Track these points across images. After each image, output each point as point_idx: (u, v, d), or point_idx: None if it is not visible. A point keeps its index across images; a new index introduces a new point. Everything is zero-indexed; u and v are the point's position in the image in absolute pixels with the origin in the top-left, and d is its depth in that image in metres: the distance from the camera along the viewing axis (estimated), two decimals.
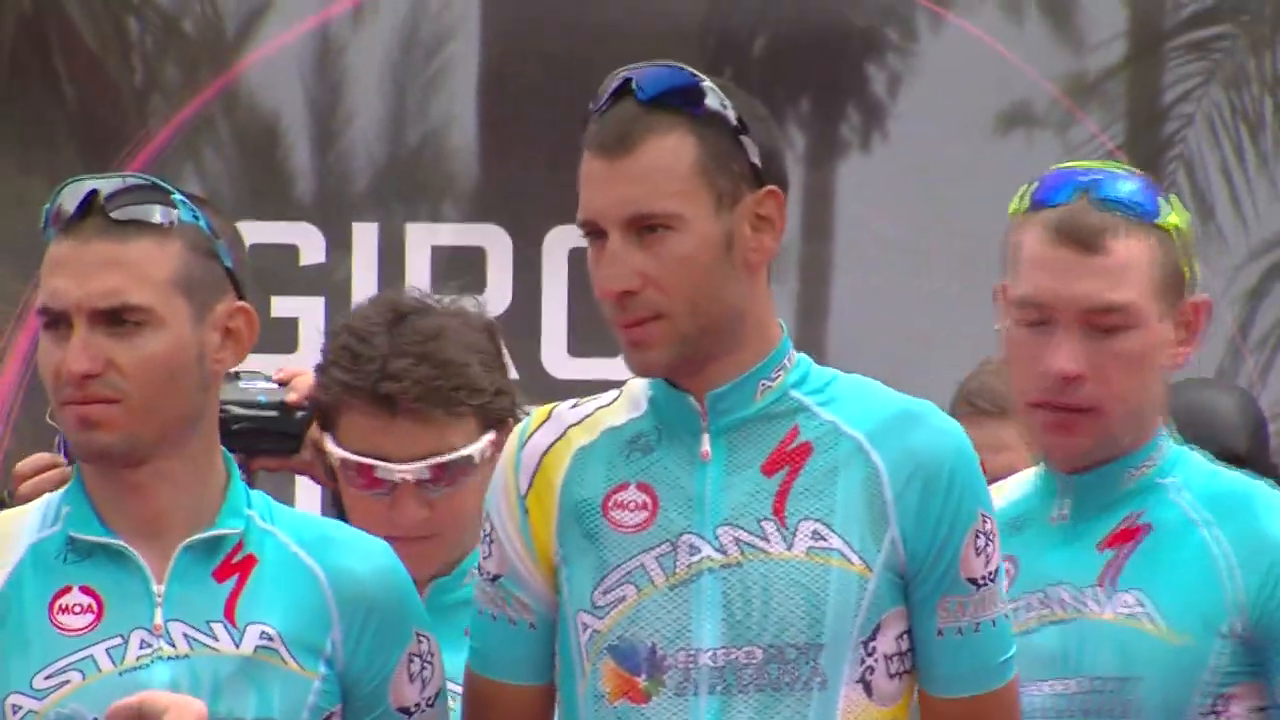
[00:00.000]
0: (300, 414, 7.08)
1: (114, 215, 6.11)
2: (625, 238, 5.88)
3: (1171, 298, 6.50)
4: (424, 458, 7.14)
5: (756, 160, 5.96)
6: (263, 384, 7.68)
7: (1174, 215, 6.52)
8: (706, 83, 6.03)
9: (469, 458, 7.27)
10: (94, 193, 6.13)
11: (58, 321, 6.03)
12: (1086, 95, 11.88)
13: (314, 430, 7.40)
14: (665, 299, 5.85)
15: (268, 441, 7.19)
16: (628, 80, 5.95)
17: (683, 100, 5.99)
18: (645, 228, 5.94)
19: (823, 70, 12.03)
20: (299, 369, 7.64)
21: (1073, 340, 6.41)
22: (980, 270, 10.37)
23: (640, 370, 6.02)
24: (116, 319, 6.04)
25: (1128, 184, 6.52)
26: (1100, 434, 6.44)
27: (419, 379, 7.13)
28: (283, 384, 7.70)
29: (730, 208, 5.93)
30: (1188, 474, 6.54)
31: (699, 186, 5.97)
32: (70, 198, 6.19)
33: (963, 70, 11.91)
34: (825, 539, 6.08)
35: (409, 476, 7.06)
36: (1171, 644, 6.38)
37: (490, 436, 7.36)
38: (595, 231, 5.86)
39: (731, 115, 5.99)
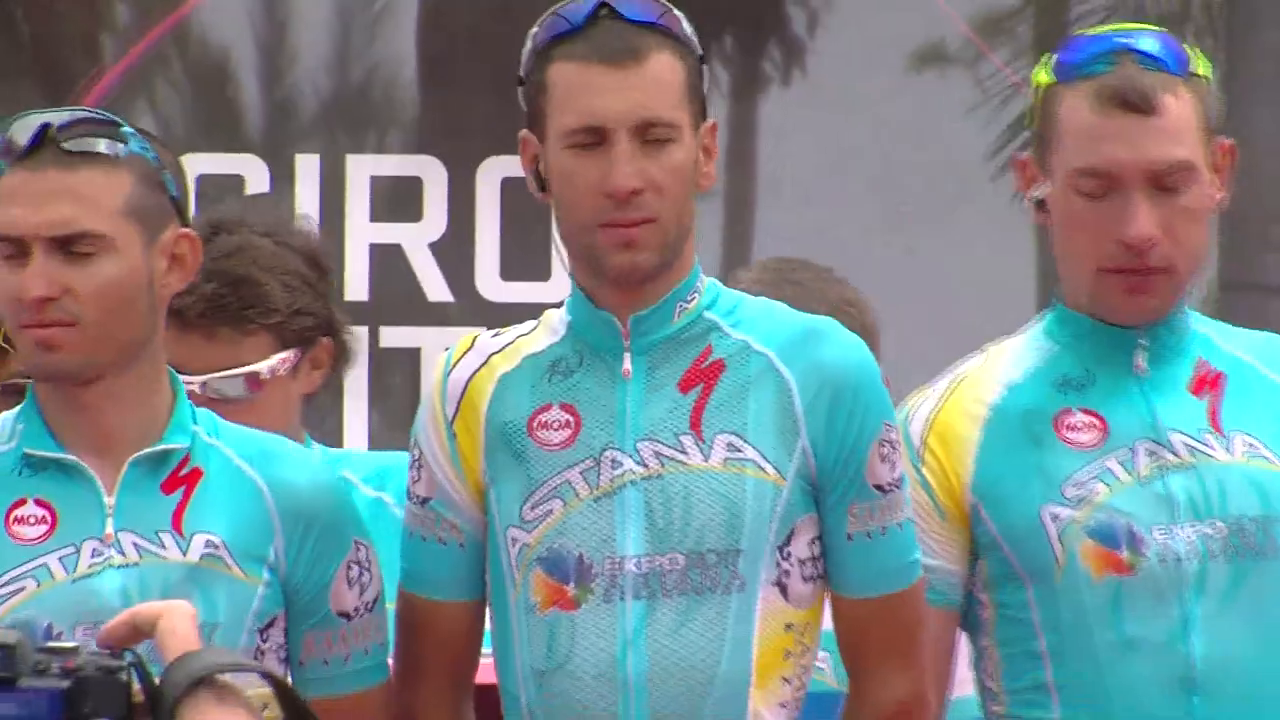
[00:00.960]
0: None
1: (66, 146, 6.32)
2: (632, 142, 6.18)
3: (1210, 144, 6.62)
4: (210, 371, 7.47)
5: (705, 91, 6.39)
6: None
7: (1200, 63, 6.67)
8: (678, 12, 6.40)
9: (255, 374, 7.62)
10: (46, 125, 6.37)
11: (14, 249, 6.25)
12: (994, 32, 11.88)
13: None
14: (661, 204, 6.17)
15: None
16: (604, 3, 6.27)
17: (666, 25, 6.28)
18: (648, 137, 6.28)
19: (745, 7, 12.08)
20: None
21: (1146, 204, 6.47)
22: (895, 198, 10.71)
23: (627, 272, 6.26)
24: (71, 246, 6.27)
25: (1157, 40, 6.69)
26: (1174, 291, 6.55)
27: (207, 295, 7.42)
28: None
29: (696, 131, 6.27)
30: (1204, 324, 6.80)
31: (688, 104, 6.30)
32: (22, 131, 6.42)
33: (879, 9, 11.86)
34: (740, 450, 6.34)
35: (195, 388, 7.22)
36: None
37: (285, 355, 7.70)
38: (595, 138, 6.16)
39: (697, 47, 6.33)
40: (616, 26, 6.40)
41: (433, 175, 12.27)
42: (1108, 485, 6.61)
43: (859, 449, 6.49)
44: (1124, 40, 6.67)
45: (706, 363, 6.56)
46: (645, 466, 6.53)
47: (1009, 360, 6.88)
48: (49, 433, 6.57)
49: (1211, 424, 6.63)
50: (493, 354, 6.59)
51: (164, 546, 6.45)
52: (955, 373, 6.89)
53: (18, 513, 6.53)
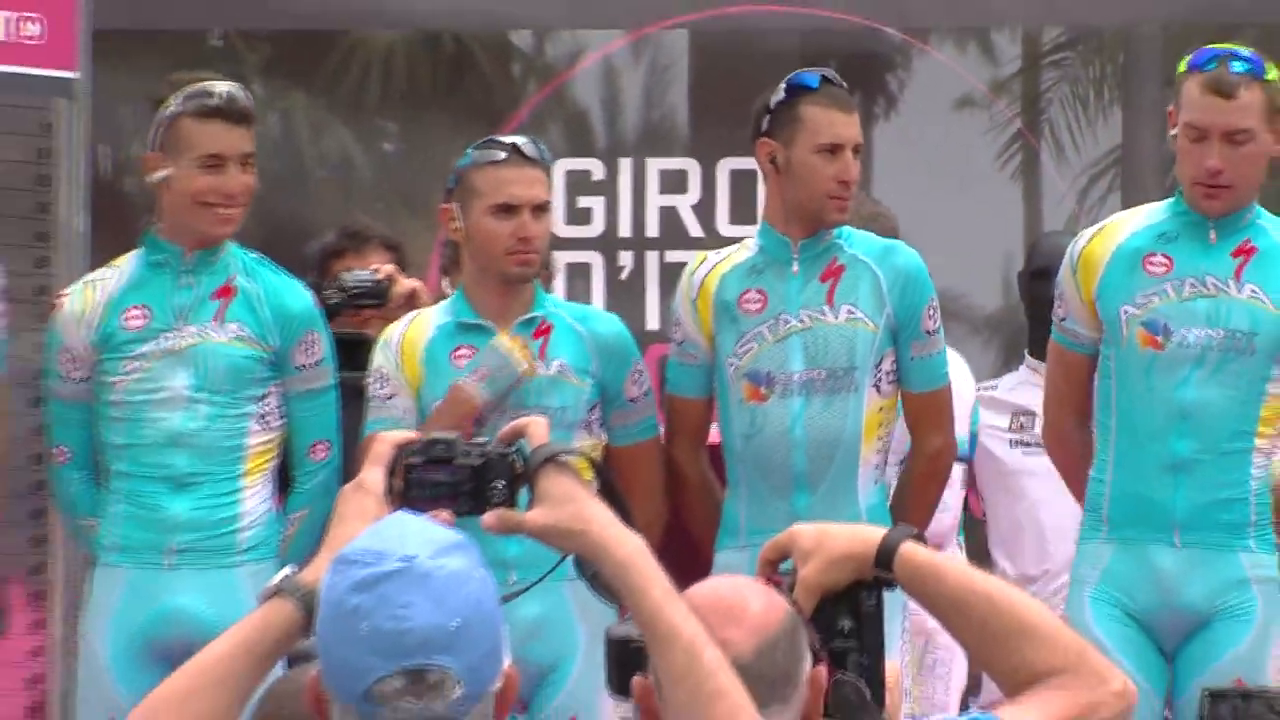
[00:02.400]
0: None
1: (529, 154, 8.39)
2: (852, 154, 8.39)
3: (1274, 121, 8.09)
4: None
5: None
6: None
7: (1273, 73, 8.19)
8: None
9: None
10: (533, 141, 8.48)
11: (510, 211, 8.18)
12: (1000, 90, 12.98)
13: None
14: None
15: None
16: (826, 78, 8.47)
17: (848, 87, 8.60)
18: (856, 153, 8.44)
19: (864, 76, 12.34)
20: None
21: (1218, 149, 8.00)
22: (940, 182, 12.34)
23: (839, 218, 8.41)
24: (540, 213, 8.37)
25: (1248, 54, 8.22)
26: (1233, 200, 8.06)
27: None
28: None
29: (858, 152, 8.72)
30: (1268, 221, 8.29)
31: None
32: (526, 144, 8.41)
33: (935, 76, 12.90)
34: (854, 313, 8.44)
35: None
36: (1275, 314, 8.10)
37: None
38: (836, 150, 8.33)
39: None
40: (837, 90, 8.51)
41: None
42: (1160, 297, 8.19)
43: (916, 311, 8.49)
44: (1225, 52, 8.23)
45: (834, 266, 8.52)
46: (803, 322, 8.46)
47: (1138, 219, 8.49)
48: (472, 309, 8.40)
49: (1235, 275, 8.18)
50: (717, 262, 8.58)
51: (544, 368, 8.34)
52: (1106, 221, 8.63)
53: (458, 354, 8.35)
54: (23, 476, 8.88)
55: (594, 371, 8.41)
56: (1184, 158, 8.09)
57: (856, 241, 8.41)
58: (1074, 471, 8.33)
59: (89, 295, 8.23)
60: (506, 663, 4.04)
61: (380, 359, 8.40)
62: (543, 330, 8.35)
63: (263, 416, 8.22)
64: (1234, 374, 8.05)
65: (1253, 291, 8.10)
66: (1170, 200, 8.30)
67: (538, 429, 4.40)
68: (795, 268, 8.32)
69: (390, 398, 8.35)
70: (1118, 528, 7.98)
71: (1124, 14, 8.00)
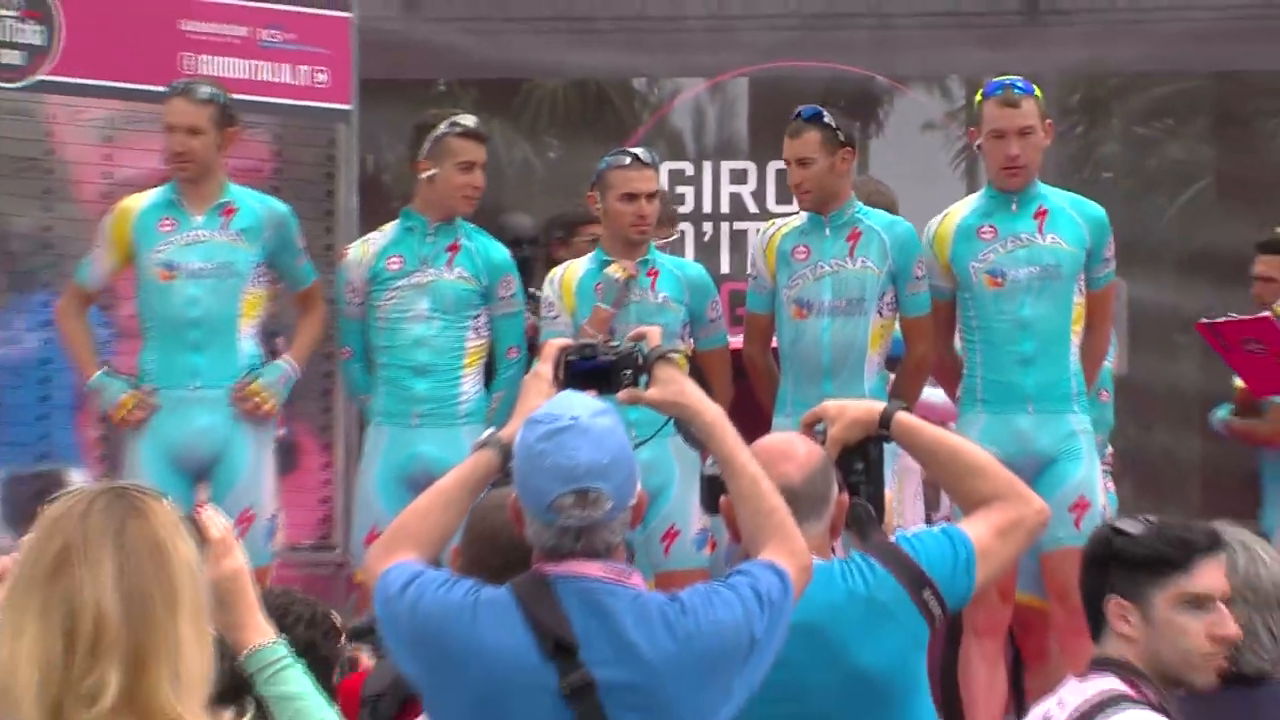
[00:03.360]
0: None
1: (644, 159, 8.16)
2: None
3: (1043, 121, 7.74)
4: None
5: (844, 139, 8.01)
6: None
7: (1038, 92, 7.83)
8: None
9: None
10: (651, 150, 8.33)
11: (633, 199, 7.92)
12: (952, 117, 12.49)
13: None
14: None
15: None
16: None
17: (823, 116, 7.95)
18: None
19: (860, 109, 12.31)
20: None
21: (1014, 142, 7.66)
22: (914, 179, 11.35)
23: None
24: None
25: (1021, 81, 7.82)
26: (1026, 178, 7.71)
27: None
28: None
29: (834, 155, 7.99)
30: (1048, 190, 7.87)
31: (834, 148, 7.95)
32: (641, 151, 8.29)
33: (910, 111, 12.67)
34: (867, 263, 7.94)
35: None
36: (1071, 251, 7.74)
37: None
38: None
39: (843, 133, 8.01)
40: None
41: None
42: (997, 252, 7.79)
43: (909, 263, 7.94)
44: (1006, 80, 7.85)
45: (855, 231, 7.99)
46: (832, 268, 7.93)
47: (966, 205, 8.03)
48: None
49: (1039, 230, 7.77)
50: (780, 226, 8.14)
51: (652, 297, 8.07)
52: (946, 210, 8.05)
53: (596, 288, 8.09)
54: (317, 366, 8.80)
55: (685, 301, 8.15)
56: (990, 154, 7.79)
57: (872, 215, 8.04)
58: (950, 381, 8.05)
59: (364, 249, 8.12)
60: (638, 488, 4.05)
61: (547, 290, 8.20)
62: (652, 273, 8.11)
63: (475, 329, 8.08)
64: (1051, 295, 7.76)
65: (1053, 239, 7.77)
66: (984, 190, 7.98)
67: (653, 335, 4.32)
68: (827, 232, 7.97)
69: (555, 317, 8.14)
70: (989, 404, 7.73)
71: (1029, 68, 7.89)
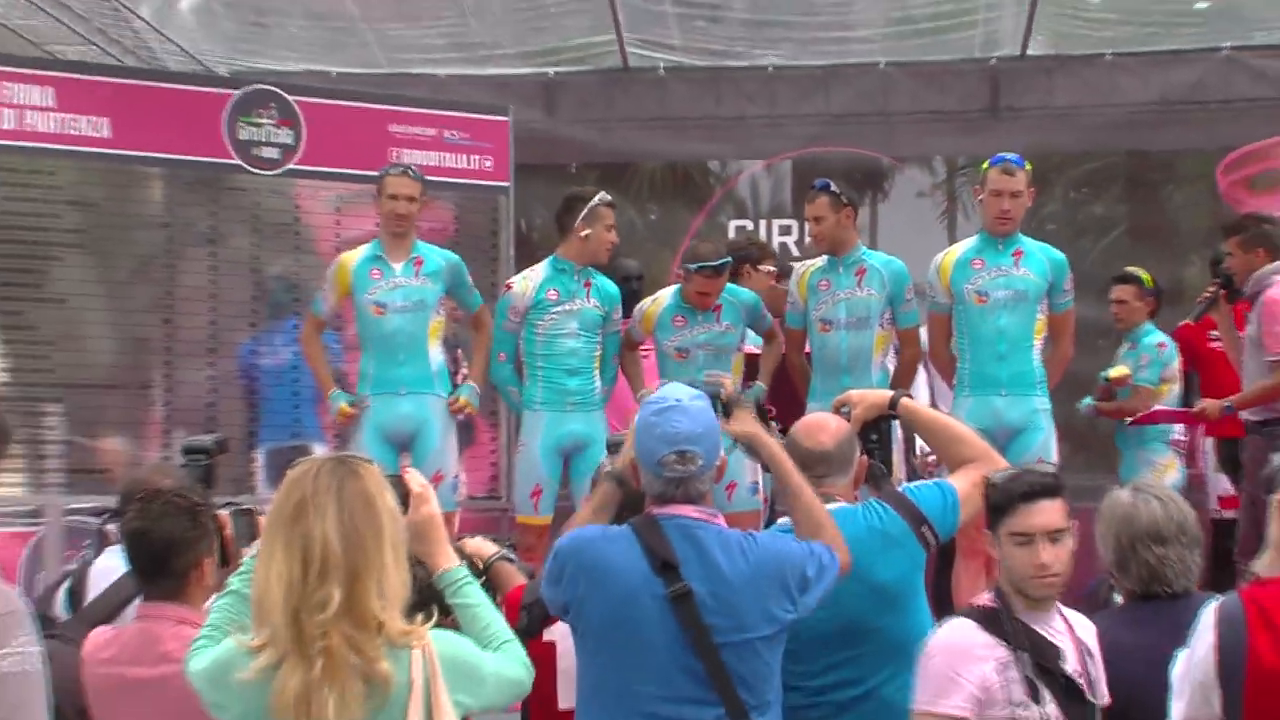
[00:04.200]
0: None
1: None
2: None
3: (1029, 186, 7.49)
4: None
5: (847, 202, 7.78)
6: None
7: (1028, 165, 7.50)
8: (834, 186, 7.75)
9: None
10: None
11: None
12: (938, 188, 12.36)
13: None
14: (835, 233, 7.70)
15: None
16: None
17: (831, 187, 7.73)
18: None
19: (865, 180, 11.99)
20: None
21: (1007, 200, 7.45)
22: (906, 230, 11.43)
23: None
24: None
25: (1017, 158, 7.54)
26: (1013, 227, 7.51)
27: None
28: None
29: (839, 212, 7.81)
30: (1025, 239, 7.57)
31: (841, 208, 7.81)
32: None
33: (909, 179, 12.21)
34: (871, 292, 7.70)
35: None
36: (1037, 281, 7.50)
37: None
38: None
39: (844, 196, 7.80)
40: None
41: None
42: (983, 278, 7.53)
43: (901, 290, 7.73)
44: (1007, 155, 7.57)
45: (861, 269, 7.76)
46: (847, 295, 7.71)
47: (964, 245, 7.74)
48: (685, 301, 7.82)
49: (1015, 266, 7.51)
50: (809, 266, 7.91)
51: (718, 326, 7.86)
52: (949, 248, 7.79)
53: (675, 321, 7.90)
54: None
55: (744, 318, 7.91)
56: (988, 206, 7.51)
57: (874, 256, 7.84)
58: (948, 371, 7.75)
59: (525, 283, 7.92)
60: (722, 454, 4.08)
61: (634, 319, 8.08)
62: (717, 309, 7.88)
63: (600, 342, 7.91)
64: (1021, 312, 7.50)
65: (1025, 271, 7.51)
66: (979, 234, 7.70)
67: (728, 382, 4.38)
68: (841, 270, 7.76)
69: (641, 342, 8.14)
70: (974, 389, 7.49)
71: (992, 150, 7.80)
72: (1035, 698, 3.90)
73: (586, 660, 3.91)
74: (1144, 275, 8.51)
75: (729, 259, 7.74)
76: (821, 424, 4.49)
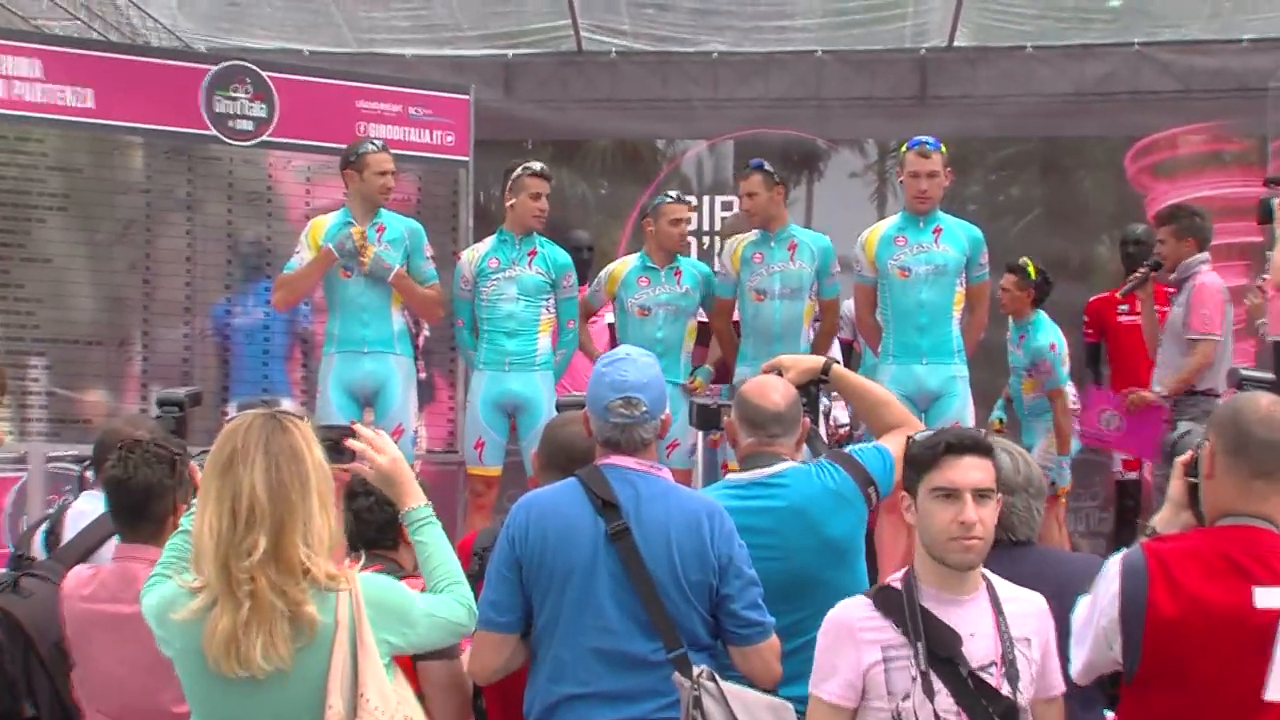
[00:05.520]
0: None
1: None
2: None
3: (946, 168, 7.40)
4: None
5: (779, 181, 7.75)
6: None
7: (943, 149, 7.42)
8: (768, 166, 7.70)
9: None
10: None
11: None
12: (869, 169, 12.64)
13: None
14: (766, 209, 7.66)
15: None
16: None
17: (765, 166, 7.73)
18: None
19: (800, 159, 12.22)
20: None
21: (924, 181, 7.35)
22: (847, 204, 11.60)
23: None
24: None
25: (932, 139, 7.46)
26: (932, 205, 7.40)
27: None
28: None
29: (771, 190, 7.75)
30: (944, 216, 7.44)
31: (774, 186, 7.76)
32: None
33: (843, 161, 12.45)
34: (802, 265, 7.71)
35: None
36: (956, 256, 7.41)
37: None
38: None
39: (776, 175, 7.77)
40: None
41: None
42: (905, 254, 7.43)
43: (827, 265, 7.73)
44: (924, 139, 7.48)
45: (793, 244, 7.76)
46: (780, 268, 7.69)
47: (888, 222, 7.62)
48: (651, 261, 7.80)
49: (935, 242, 7.41)
50: (740, 241, 7.80)
51: (680, 288, 7.86)
52: (874, 225, 7.70)
53: (640, 281, 7.79)
54: (446, 331, 8.60)
55: (701, 287, 7.87)
56: (907, 187, 7.41)
57: (803, 233, 7.81)
58: (873, 340, 7.63)
59: (473, 253, 7.86)
60: (667, 410, 4.08)
61: (597, 285, 8.04)
62: (678, 272, 7.85)
63: (547, 308, 7.78)
64: (941, 285, 7.40)
65: (944, 247, 7.40)
66: (901, 213, 7.56)
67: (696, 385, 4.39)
68: (774, 244, 7.71)
69: (599, 309, 8.13)
70: (897, 358, 7.40)
71: (920, 135, 7.80)
72: (928, 690, 3.37)
73: (539, 604, 3.85)
74: (1030, 266, 8.39)
75: (689, 199, 7.78)
76: (772, 385, 4.42)
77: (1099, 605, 3.32)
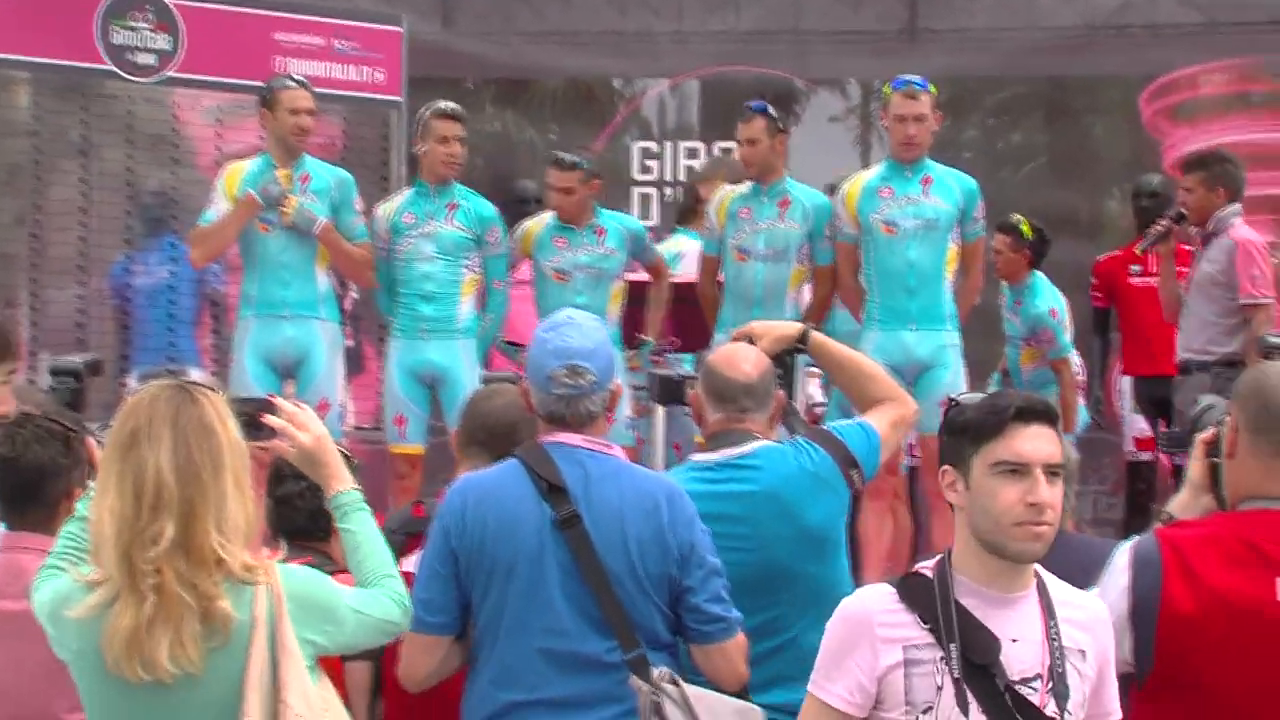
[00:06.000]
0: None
1: None
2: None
3: (934, 110, 7.54)
4: None
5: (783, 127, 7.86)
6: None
7: (933, 88, 7.51)
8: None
9: None
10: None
11: None
12: (850, 111, 12.64)
13: None
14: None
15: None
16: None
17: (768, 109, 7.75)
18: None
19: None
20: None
21: (911, 124, 7.46)
22: (824, 144, 11.43)
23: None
24: None
25: (920, 79, 7.55)
26: (919, 153, 7.51)
27: None
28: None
29: (773, 136, 7.77)
30: (933, 164, 7.56)
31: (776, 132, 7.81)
32: None
33: (822, 104, 12.47)
34: (792, 223, 7.67)
35: None
36: (948, 209, 7.51)
37: None
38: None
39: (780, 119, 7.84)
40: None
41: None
42: (891, 207, 7.51)
43: (821, 224, 7.71)
44: (909, 78, 7.56)
45: (785, 200, 7.76)
46: (767, 224, 7.70)
47: (871, 171, 7.77)
48: (560, 222, 7.87)
49: (924, 193, 7.50)
50: (728, 193, 7.84)
51: (601, 248, 7.90)
52: (855, 174, 7.85)
53: (555, 242, 7.90)
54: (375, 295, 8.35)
55: (628, 246, 7.85)
56: (893, 132, 7.53)
57: (798, 188, 7.78)
58: (855, 303, 7.71)
59: (388, 206, 7.83)
60: (617, 380, 4.06)
61: (513, 239, 8.01)
62: (600, 231, 7.85)
63: (470, 267, 7.77)
64: (932, 241, 7.47)
65: (935, 200, 7.48)
66: (885, 160, 7.71)
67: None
68: (764, 199, 7.73)
69: (517, 265, 8.05)
70: (883, 323, 7.47)
71: (903, 70, 7.83)
72: (962, 703, 3.11)
73: (479, 602, 3.84)
74: (1024, 225, 8.43)
75: (581, 161, 7.73)
76: (742, 354, 4.41)
77: (1106, 600, 3.27)
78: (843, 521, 4.38)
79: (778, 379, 4.49)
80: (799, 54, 11.76)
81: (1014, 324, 8.62)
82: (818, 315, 7.71)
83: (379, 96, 9.46)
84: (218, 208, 7.66)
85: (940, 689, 3.10)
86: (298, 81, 7.77)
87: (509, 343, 7.57)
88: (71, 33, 8.45)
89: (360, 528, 3.62)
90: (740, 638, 3.91)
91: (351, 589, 3.53)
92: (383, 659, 4.24)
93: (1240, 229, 7.84)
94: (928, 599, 3.14)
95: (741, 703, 3.79)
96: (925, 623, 3.13)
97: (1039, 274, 8.55)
